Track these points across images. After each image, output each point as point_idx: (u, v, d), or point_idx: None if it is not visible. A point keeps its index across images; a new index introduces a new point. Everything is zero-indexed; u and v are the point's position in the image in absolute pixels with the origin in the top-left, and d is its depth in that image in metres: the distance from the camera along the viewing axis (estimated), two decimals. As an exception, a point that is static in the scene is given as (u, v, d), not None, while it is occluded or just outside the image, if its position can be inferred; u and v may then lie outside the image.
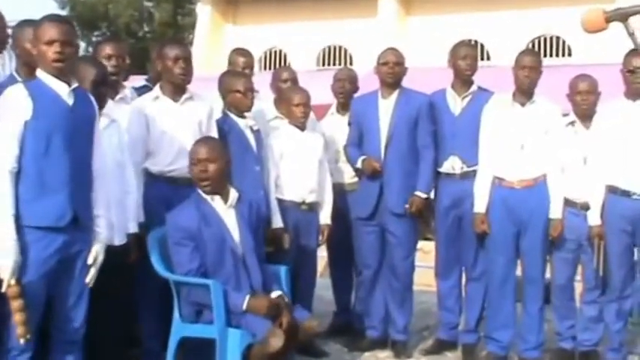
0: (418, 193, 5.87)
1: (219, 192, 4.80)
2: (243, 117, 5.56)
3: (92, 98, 4.34)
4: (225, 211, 4.79)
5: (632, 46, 5.64)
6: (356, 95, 6.45)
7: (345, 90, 6.47)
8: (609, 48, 10.38)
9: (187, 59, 5.27)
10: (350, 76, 6.56)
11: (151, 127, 5.20)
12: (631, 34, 5.69)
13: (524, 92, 5.69)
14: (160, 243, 4.85)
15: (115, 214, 4.57)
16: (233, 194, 4.83)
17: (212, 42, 20.94)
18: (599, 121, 5.64)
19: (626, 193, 5.44)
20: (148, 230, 4.96)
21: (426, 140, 5.92)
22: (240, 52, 6.46)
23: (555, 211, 5.64)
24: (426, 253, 7.14)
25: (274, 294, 4.76)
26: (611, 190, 5.49)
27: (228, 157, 4.88)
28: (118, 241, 4.74)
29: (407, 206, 5.85)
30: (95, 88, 4.60)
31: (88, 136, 4.25)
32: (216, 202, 4.78)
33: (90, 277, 4.23)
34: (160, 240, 4.86)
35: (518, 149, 5.65)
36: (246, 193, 4.96)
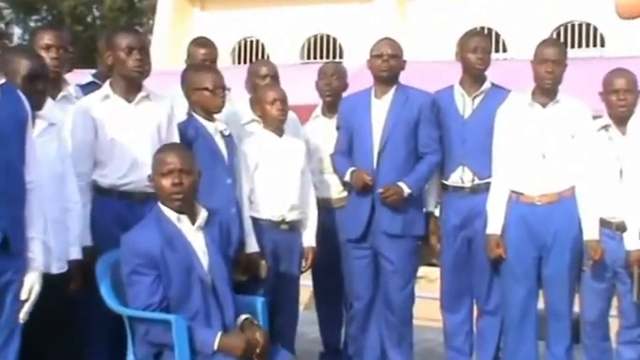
0: (401, 183, 5.85)
1: (187, 210, 4.76)
2: (212, 120, 5.55)
3: (23, 97, 4.30)
4: (193, 233, 4.74)
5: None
6: (345, 94, 6.44)
7: (333, 88, 6.46)
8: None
9: (143, 50, 5.25)
10: (338, 71, 6.55)
11: (100, 132, 5.17)
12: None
13: (546, 90, 5.70)
14: (113, 270, 4.80)
15: (54, 237, 4.53)
16: (202, 213, 4.78)
17: (176, 30, 20.91)
18: (638, 124, 5.63)
19: (671, 211, 5.45)
20: (97, 256, 4.92)
21: (430, 147, 5.93)
22: (199, 42, 6.45)
23: (590, 232, 5.64)
24: (430, 281, 7.15)
25: (241, 318, 4.73)
26: (653, 207, 5.49)
27: (199, 168, 4.85)
28: (57, 268, 4.69)
29: (380, 191, 5.83)
30: (29, 85, 4.55)
31: (18, 142, 4.20)
32: (182, 222, 4.74)
33: (24, 313, 4.19)
34: (112, 267, 4.81)
35: (540, 158, 5.66)
36: (215, 211, 4.93)
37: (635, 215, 5.52)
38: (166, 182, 4.69)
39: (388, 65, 5.97)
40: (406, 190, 5.86)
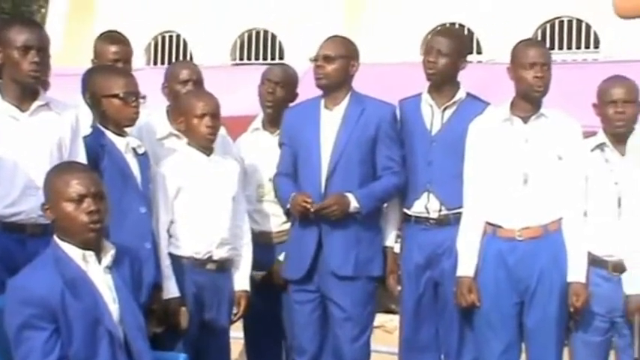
0: (348, 194, 5.88)
1: (94, 246, 4.71)
2: (123, 134, 5.56)
3: None
4: (101, 275, 4.70)
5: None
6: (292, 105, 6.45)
7: (277, 98, 6.45)
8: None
9: (42, 49, 5.21)
10: (286, 78, 6.53)
11: (-17, 148, 5.14)
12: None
13: (532, 101, 5.76)
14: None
15: None
16: (110, 250, 4.74)
17: (76, 22, 20.81)
18: (638, 143, 5.72)
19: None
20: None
21: (391, 169, 5.98)
22: (110, 37, 6.42)
23: (576, 273, 5.69)
24: (388, 332, 7.16)
25: None
26: (657, 244, 5.57)
27: (107, 193, 4.82)
28: None
29: (317, 206, 5.84)
30: None
31: None
32: (88, 261, 4.68)
33: None
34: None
35: (520, 184, 5.72)
36: (125, 247, 4.91)
37: (636, 253, 5.59)
38: (78, 211, 4.60)
39: (323, 72, 5.98)
40: (353, 204, 5.88)
